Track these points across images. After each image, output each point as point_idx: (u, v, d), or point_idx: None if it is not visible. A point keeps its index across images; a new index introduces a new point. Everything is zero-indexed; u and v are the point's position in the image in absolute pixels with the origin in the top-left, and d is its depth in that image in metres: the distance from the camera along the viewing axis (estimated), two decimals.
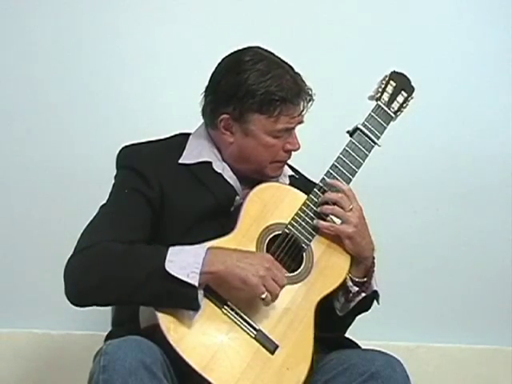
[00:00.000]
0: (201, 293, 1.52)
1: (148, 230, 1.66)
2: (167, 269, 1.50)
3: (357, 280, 1.70)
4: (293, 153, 1.76)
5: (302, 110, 1.72)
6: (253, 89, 1.66)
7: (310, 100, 1.72)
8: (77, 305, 1.59)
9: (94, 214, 1.68)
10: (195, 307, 1.52)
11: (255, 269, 1.54)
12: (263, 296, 1.54)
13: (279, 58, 1.73)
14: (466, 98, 2.63)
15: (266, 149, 1.71)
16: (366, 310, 1.75)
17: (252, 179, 1.75)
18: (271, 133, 1.70)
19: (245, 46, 1.75)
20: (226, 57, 1.75)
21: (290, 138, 1.73)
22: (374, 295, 1.73)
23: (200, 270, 1.51)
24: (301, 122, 1.74)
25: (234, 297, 1.57)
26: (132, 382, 1.40)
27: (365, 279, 1.70)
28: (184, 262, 1.51)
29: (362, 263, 1.70)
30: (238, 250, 1.59)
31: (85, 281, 1.56)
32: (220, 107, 1.71)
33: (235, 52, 1.75)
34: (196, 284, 1.50)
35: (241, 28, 2.44)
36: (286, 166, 1.83)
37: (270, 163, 1.74)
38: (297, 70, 1.73)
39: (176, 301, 1.51)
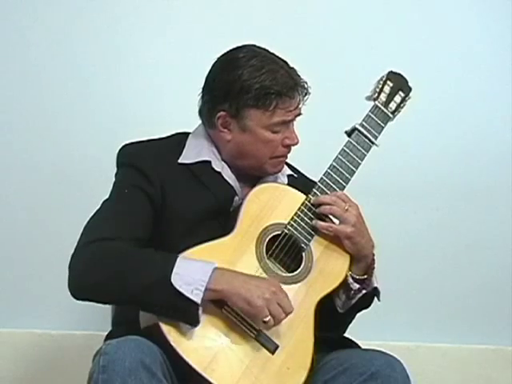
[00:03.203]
0: (201, 309, 1.51)
1: (150, 226, 1.66)
2: (172, 281, 1.49)
3: (357, 277, 1.69)
4: (292, 152, 1.76)
5: (298, 103, 1.71)
6: (248, 84, 1.66)
7: (305, 93, 1.72)
8: (76, 297, 1.58)
9: (97, 209, 1.67)
10: (194, 323, 1.51)
11: (261, 291, 1.53)
12: (266, 319, 1.53)
13: (273, 54, 1.73)
14: (465, 98, 2.63)
15: (265, 144, 1.71)
16: (367, 307, 1.75)
17: (251, 177, 1.75)
18: (268, 127, 1.69)
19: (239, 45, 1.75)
20: (221, 56, 1.75)
21: (288, 133, 1.72)
22: (375, 292, 1.73)
23: (205, 286, 1.50)
24: (298, 114, 1.73)
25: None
26: (131, 382, 1.40)
27: (365, 276, 1.70)
28: (190, 277, 1.50)
29: (363, 261, 1.70)
30: (246, 273, 1.58)
31: (89, 276, 1.55)
32: (216, 105, 1.71)
33: (229, 50, 1.74)
34: (199, 302, 1.49)
35: (240, 28, 2.45)
36: (284, 166, 1.82)
37: (270, 159, 1.73)
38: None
39: (176, 314, 1.50)
